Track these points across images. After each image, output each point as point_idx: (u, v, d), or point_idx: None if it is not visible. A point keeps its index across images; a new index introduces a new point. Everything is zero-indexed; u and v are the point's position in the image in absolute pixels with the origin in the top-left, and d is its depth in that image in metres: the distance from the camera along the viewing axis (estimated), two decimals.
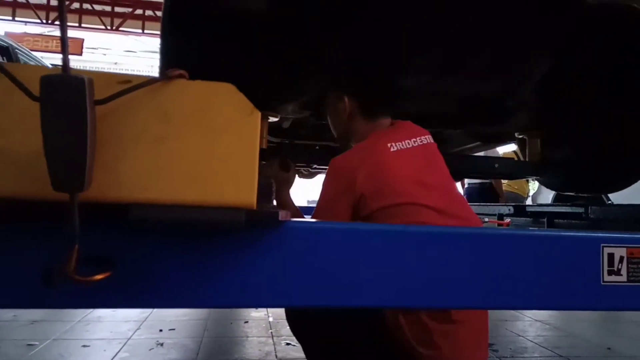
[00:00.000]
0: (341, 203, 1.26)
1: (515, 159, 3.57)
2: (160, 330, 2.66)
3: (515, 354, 2.49)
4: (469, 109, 2.05)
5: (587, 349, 2.65)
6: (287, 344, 2.45)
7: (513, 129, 2.19)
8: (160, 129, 0.65)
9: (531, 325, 3.13)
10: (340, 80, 1.51)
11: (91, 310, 2.96)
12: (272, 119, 1.85)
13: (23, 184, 0.62)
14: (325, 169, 1.57)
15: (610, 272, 0.84)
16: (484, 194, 4.45)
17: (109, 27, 15.39)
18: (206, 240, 0.74)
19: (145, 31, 15.57)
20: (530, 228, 2.47)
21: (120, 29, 15.51)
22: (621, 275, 0.84)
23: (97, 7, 15.13)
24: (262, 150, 0.69)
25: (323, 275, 0.77)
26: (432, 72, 1.74)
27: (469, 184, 4.72)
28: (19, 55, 4.75)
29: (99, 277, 0.64)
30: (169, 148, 0.65)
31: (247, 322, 2.94)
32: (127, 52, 18.95)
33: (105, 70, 14.36)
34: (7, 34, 11.16)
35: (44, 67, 0.80)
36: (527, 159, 2.18)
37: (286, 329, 1.89)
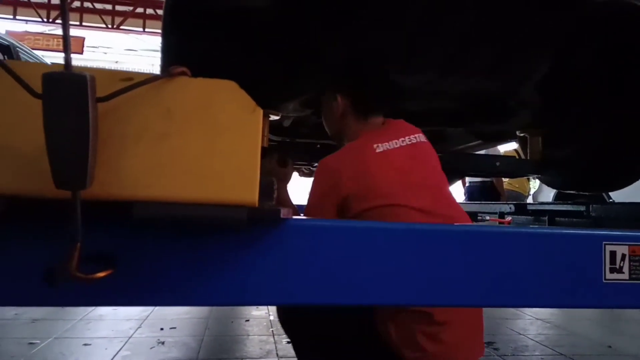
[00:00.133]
0: (327, 203, 1.29)
1: (517, 157, 3.56)
2: (162, 329, 2.67)
3: (516, 352, 2.49)
4: (470, 108, 2.05)
5: (588, 347, 2.65)
6: (288, 342, 2.44)
7: (514, 127, 2.19)
8: (162, 126, 0.65)
9: (532, 323, 3.13)
10: (335, 79, 1.52)
11: (92, 308, 2.97)
12: (273, 118, 1.85)
13: (25, 181, 0.62)
14: None
15: (612, 270, 0.84)
16: (485, 193, 4.45)
17: (109, 26, 15.40)
18: (208, 238, 0.74)
19: (146, 30, 15.58)
20: (532, 226, 2.47)
21: (121, 27, 15.52)
22: (623, 273, 0.84)
23: (98, 6, 15.14)
24: (262, 149, 0.68)
25: (324, 273, 0.77)
26: (432, 71, 1.74)
27: (470, 182, 4.71)
28: (20, 54, 4.75)
29: (100, 275, 0.64)
30: (172, 145, 0.65)
31: (248, 320, 2.95)
32: (128, 50, 18.93)
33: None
34: (8, 32, 11.15)
35: (46, 64, 0.80)
36: (528, 158, 2.18)
37: None
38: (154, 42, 15.99)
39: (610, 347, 2.64)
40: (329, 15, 1.48)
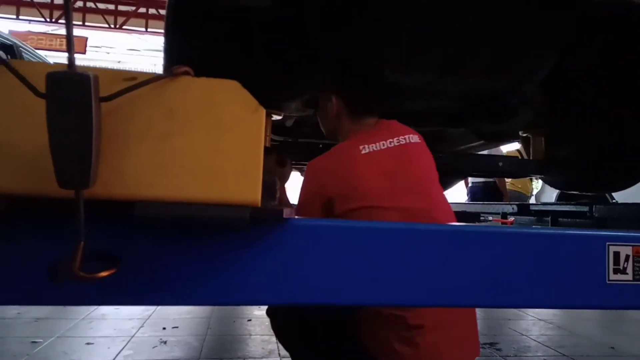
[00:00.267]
0: (314, 204, 1.32)
1: (519, 157, 3.56)
2: (164, 328, 2.67)
3: (518, 353, 2.49)
4: (470, 108, 2.05)
5: (591, 348, 2.64)
6: None
7: (517, 127, 2.19)
8: (165, 125, 0.65)
9: (534, 324, 3.12)
10: (330, 79, 1.53)
11: (95, 307, 2.97)
12: (276, 117, 1.85)
13: (28, 180, 0.62)
14: None
15: (615, 271, 0.84)
16: (487, 193, 4.44)
17: (112, 26, 15.43)
18: (210, 237, 0.74)
19: (149, 30, 15.60)
20: (535, 227, 2.47)
21: (124, 27, 15.55)
22: (627, 273, 0.84)
23: (101, 6, 15.18)
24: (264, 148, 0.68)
25: (327, 273, 0.77)
26: (432, 71, 1.74)
27: (472, 182, 4.71)
28: (23, 54, 4.76)
29: (103, 274, 0.64)
30: (174, 145, 0.65)
31: (250, 320, 2.95)
32: (130, 50, 18.96)
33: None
34: (11, 32, 11.19)
35: (49, 64, 0.81)
36: (531, 158, 2.18)
37: None
38: (156, 42, 16.00)
39: (612, 348, 2.63)
40: (329, 15, 1.48)
